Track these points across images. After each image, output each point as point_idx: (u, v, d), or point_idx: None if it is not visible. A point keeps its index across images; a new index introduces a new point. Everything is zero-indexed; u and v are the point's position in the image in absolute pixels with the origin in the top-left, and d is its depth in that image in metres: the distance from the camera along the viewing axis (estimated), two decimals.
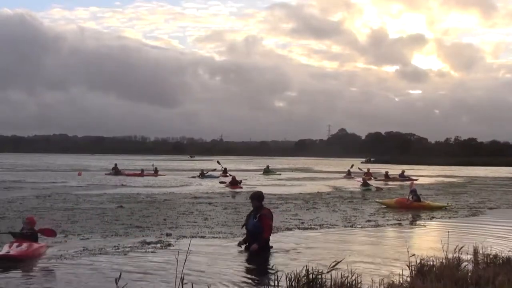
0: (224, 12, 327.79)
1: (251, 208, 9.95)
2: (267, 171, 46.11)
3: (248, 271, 7.92)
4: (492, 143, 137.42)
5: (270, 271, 6.40)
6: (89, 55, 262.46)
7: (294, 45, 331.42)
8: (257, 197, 9.73)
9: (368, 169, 41.58)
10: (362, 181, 28.68)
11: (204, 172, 37.75)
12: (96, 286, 7.00)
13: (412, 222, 14.19)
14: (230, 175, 32.78)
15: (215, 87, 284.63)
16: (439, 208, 17.33)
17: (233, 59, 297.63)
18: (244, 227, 9.76)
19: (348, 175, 41.31)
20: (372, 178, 37.64)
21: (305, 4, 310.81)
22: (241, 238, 9.85)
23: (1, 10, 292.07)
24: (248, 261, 8.68)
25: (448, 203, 18.08)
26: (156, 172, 39.71)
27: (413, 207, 17.54)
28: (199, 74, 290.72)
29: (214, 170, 39.20)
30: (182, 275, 5.10)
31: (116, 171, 40.12)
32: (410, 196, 18.15)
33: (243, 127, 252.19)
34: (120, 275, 4.60)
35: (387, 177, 38.30)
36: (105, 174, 39.75)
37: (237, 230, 11.91)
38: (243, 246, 9.47)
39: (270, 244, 9.44)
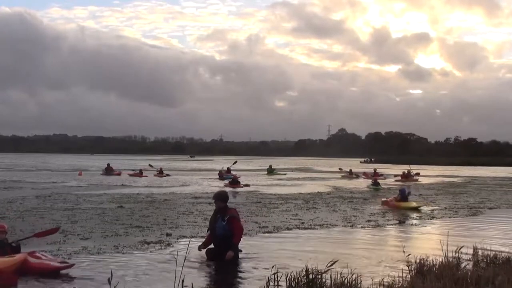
0: (224, 11, 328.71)
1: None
2: (270, 171, 45.75)
3: (247, 271, 7.92)
4: (492, 143, 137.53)
5: (269, 271, 6.39)
6: (88, 54, 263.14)
7: (295, 44, 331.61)
8: (222, 198, 8.96)
9: (375, 169, 41.76)
10: (372, 180, 29.18)
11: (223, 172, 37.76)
12: (94, 286, 7.00)
13: (412, 222, 14.18)
14: (233, 174, 32.83)
15: (215, 87, 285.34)
16: (413, 208, 17.14)
17: (233, 58, 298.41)
18: (209, 230, 8.99)
19: (350, 174, 41.47)
20: (382, 178, 37.69)
21: (307, 2, 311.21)
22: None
23: (0, 8, 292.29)
24: (246, 261, 8.67)
25: (419, 205, 17.75)
26: (160, 172, 39.57)
27: (393, 206, 17.67)
28: (199, 73, 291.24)
29: (229, 170, 39.26)
30: (182, 275, 5.09)
31: (108, 171, 40.07)
32: (398, 196, 18.31)
33: (243, 127, 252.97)
34: (111, 274, 4.60)
35: (404, 176, 37.55)
36: (100, 174, 39.69)
37: None
38: (202, 250, 8.83)
39: (240, 247, 8.79)
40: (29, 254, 7.86)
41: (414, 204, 17.53)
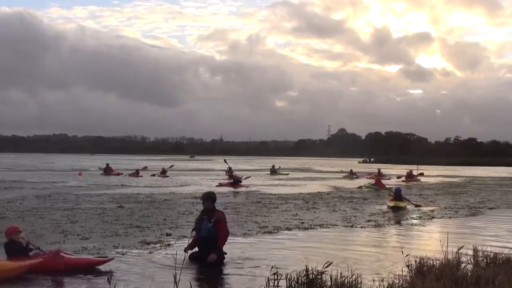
0: (224, 11, 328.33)
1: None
2: (273, 171, 45.28)
3: (247, 271, 7.91)
4: (492, 143, 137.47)
5: (269, 271, 6.38)
6: (88, 54, 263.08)
7: (296, 44, 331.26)
8: (210, 198, 8.83)
9: (379, 169, 41.80)
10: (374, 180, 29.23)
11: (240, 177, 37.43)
12: (94, 285, 7.00)
13: (412, 222, 14.18)
14: (234, 174, 32.74)
15: (215, 87, 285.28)
16: (399, 207, 17.27)
17: (233, 58, 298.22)
18: (195, 231, 8.78)
19: (351, 174, 41.45)
20: (386, 178, 37.74)
21: (308, 2, 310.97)
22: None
23: (0, 8, 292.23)
24: (246, 261, 8.65)
25: (405, 205, 17.78)
26: (163, 173, 39.44)
27: (386, 205, 17.85)
28: (199, 73, 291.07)
29: (231, 170, 39.17)
30: (181, 276, 5.10)
31: (107, 171, 40.10)
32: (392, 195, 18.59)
33: (243, 127, 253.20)
34: (111, 275, 4.61)
35: (408, 176, 37.32)
36: (100, 174, 39.67)
37: (237, 230, 11.91)
38: (189, 252, 8.57)
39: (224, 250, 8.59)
40: (61, 252, 8.01)
41: (401, 204, 17.62)
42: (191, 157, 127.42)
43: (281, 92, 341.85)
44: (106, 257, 8.29)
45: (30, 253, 7.98)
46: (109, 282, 4.42)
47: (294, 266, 7.50)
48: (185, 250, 8.57)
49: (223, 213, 8.97)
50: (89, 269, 7.78)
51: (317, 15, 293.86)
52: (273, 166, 47.38)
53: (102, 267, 7.90)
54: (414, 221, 14.40)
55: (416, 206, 17.94)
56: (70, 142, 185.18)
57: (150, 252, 9.25)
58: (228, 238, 8.82)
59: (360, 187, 27.98)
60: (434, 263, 7.05)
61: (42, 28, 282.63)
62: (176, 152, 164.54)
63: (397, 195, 18.11)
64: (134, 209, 16.04)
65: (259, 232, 11.81)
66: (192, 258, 8.47)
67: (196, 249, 8.67)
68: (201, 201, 9.05)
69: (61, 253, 7.98)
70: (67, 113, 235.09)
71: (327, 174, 48.19)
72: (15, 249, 7.87)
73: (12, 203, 17.41)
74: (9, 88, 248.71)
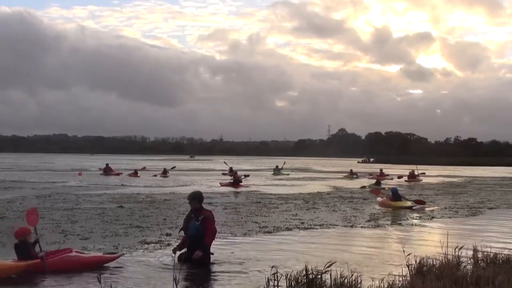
0: (224, 11, 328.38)
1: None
2: (276, 172, 45.19)
3: (247, 271, 7.91)
4: (492, 143, 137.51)
5: (269, 271, 6.38)
6: (88, 54, 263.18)
7: (296, 44, 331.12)
8: (196, 198, 8.70)
9: (381, 169, 41.79)
10: (376, 180, 29.24)
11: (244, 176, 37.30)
12: (92, 285, 6.99)
13: (412, 222, 14.18)
14: (237, 175, 32.73)
15: (215, 87, 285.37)
16: (407, 207, 17.34)
17: (233, 58, 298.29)
18: (182, 230, 8.71)
19: (351, 174, 41.45)
20: (389, 178, 37.71)
21: (308, 2, 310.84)
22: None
23: (0, 8, 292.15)
24: (246, 261, 8.66)
25: (413, 204, 17.84)
26: (164, 173, 39.39)
27: (388, 206, 17.81)
28: (199, 73, 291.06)
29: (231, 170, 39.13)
30: (181, 276, 5.10)
31: (107, 171, 40.11)
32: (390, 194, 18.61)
33: (243, 127, 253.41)
34: (100, 275, 4.62)
35: (411, 177, 37.37)
36: (100, 174, 39.66)
37: (237, 230, 11.93)
38: (177, 253, 8.39)
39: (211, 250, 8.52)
40: (72, 250, 8.07)
41: (408, 204, 17.62)
42: (191, 157, 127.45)
43: (281, 92, 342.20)
44: (116, 253, 8.28)
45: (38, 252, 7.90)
46: (100, 281, 4.41)
47: (294, 266, 7.51)
48: (173, 251, 8.44)
49: (211, 212, 8.91)
50: (99, 266, 7.84)
51: (318, 15, 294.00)
52: (277, 167, 46.78)
53: (108, 265, 7.94)
54: (414, 221, 14.40)
55: (419, 204, 17.94)
56: (70, 142, 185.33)
57: (150, 252, 9.24)
58: (229, 238, 8.80)
59: (364, 187, 27.95)
60: (434, 263, 7.05)
61: (42, 28, 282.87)
62: (176, 152, 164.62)
63: (395, 195, 18.09)
64: (134, 209, 16.04)
65: (259, 232, 11.81)
66: (180, 259, 8.31)
67: (185, 250, 8.55)
68: (188, 202, 8.94)
69: (73, 251, 7.99)
70: (67, 113, 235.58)
71: (327, 174, 48.18)
72: (27, 250, 7.78)
73: (12, 203, 17.41)
74: (9, 88, 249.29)
